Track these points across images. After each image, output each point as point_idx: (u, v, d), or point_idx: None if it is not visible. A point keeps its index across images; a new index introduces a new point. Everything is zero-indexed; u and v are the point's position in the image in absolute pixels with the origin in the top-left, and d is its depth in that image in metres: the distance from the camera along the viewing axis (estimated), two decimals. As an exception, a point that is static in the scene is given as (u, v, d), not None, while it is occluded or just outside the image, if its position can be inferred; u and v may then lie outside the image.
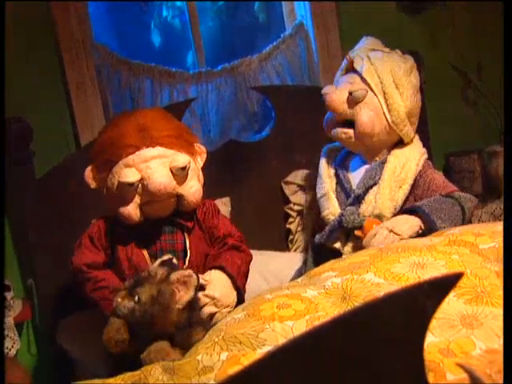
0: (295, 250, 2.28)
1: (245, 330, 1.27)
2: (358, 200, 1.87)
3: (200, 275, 1.59)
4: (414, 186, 1.89)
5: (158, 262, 1.47)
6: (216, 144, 2.36)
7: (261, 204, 2.28)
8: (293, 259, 2.16)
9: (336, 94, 1.91)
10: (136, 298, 1.38)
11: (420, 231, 1.75)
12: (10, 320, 1.90)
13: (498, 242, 1.42)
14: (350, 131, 1.90)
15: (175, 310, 1.39)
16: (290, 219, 2.30)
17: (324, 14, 2.57)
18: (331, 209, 1.90)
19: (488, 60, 2.70)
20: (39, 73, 2.12)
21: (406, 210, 1.82)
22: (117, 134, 1.63)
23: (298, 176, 2.31)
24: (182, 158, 1.62)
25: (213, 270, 1.63)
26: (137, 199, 1.61)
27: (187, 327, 1.42)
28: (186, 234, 1.68)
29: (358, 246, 1.80)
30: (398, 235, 1.72)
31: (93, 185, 1.67)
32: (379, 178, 1.87)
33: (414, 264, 1.38)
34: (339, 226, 1.85)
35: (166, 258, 1.49)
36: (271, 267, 2.06)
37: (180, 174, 1.61)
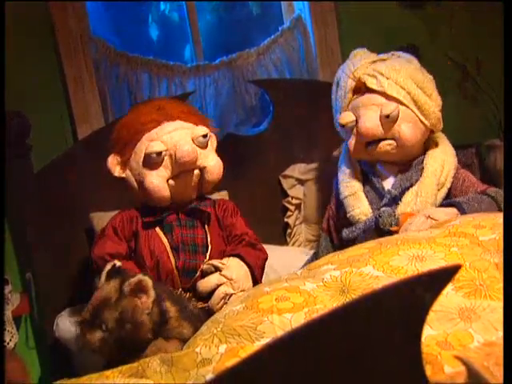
0: (293, 244, 2.29)
1: (243, 322, 1.27)
2: (395, 201, 1.83)
3: (217, 260, 1.62)
4: (450, 188, 1.86)
5: (103, 276, 1.42)
6: (214, 138, 2.35)
7: (259, 198, 2.28)
8: (291, 253, 2.16)
9: (369, 122, 1.82)
10: (103, 326, 1.33)
11: None
12: (8, 313, 1.91)
13: (499, 234, 1.42)
14: (394, 142, 1.84)
15: (146, 319, 1.36)
16: (288, 213, 2.30)
17: (322, 8, 2.56)
18: (362, 208, 1.85)
19: (487, 54, 2.70)
20: (38, 69, 2.13)
21: (443, 204, 1.79)
22: (135, 115, 1.68)
23: (296, 170, 2.31)
24: (201, 128, 1.69)
25: (231, 257, 1.63)
26: (164, 173, 1.63)
27: (167, 320, 1.41)
28: (206, 228, 1.69)
29: None
30: (436, 220, 1.69)
31: (116, 172, 1.66)
32: (416, 180, 1.83)
33: (412, 257, 1.38)
34: (375, 227, 1.80)
35: (109, 266, 1.44)
36: (269, 261, 2.05)
37: (202, 142, 1.68)
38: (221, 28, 2.69)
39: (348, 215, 1.88)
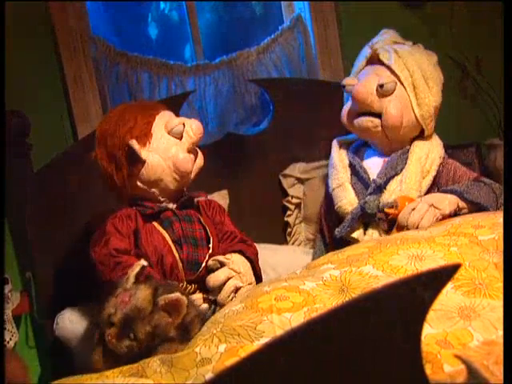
0: (293, 243, 2.28)
1: (243, 322, 1.27)
2: (380, 189, 1.86)
3: (221, 256, 1.66)
4: (436, 177, 1.89)
5: (132, 278, 1.40)
6: (214, 137, 2.35)
7: (259, 197, 2.28)
8: (291, 252, 2.16)
9: (363, 86, 1.87)
10: (131, 335, 1.32)
11: (457, 210, 1.75)
12: (8, 313, 1.91)
13: (498, 234, 1.42)
14: (377, 120, 1.88)
15: (174, 335, 1.36)
16: (288, 212, 2.30)
17: (322, 7, 2.56)
18: (348, 198, 1.88)
19: (486, 54, 2.70)
20: (38, 69, 2.12)
21: (443, 190, 1.81)
22: (134, 106, 1.76)
23: (296, 169, 2.31)
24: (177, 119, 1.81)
25: (233, 253, 1.68)
26: (184, 146, 1.72)
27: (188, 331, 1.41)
28: (203, 222, 1.73)
29: (382, 232, 1.80)
30: (439, 210, 1.71)
31: (143, 153, 1.68)
32: (401, 169, 1.86)
33: (412, 256, 1.38)
34: (361, 214, 1.83)
35: (137, 268, 1.43)
36: (269, 260, 2.05)
37: (177, 133, 1.77)
38: (221, 27, 2.69)
39: (336, 207, 1.90)
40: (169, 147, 1.70)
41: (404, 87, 1.88)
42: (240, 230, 1.84)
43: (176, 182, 1.72)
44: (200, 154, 1.79)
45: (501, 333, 1.13)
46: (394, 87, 1.86)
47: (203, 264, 1.66)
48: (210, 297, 1.62)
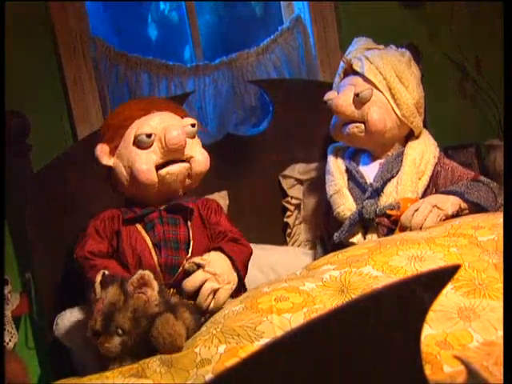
0: (293, 244, 2.28)
1: (243, 322, 1.27)
2: (377, 193, 1.86)
3: (198, 257, 1.61)
4: (432, 177, 1.90)
5: (97, 288, 1.41)
6: (214, 138, 2.35)
7: (259, 198, 2.28)
8: (290, 253, 2.16)
9: (341, 98, 1.91)
10: (119, 331, 1.34)
11: (459, 210, 1.75)
12: (7, 314, 1.90)
13: (498, 235, 1.42)
14: (362, 126, 1.90)
15: (155, 309, 1.38)
16: (288, 213, 2.30)
17: (322, 7, 2.56)
18: (347, 204, 1.88)
19: (486, 54, 2.71)
20: (38, 69, 2.12)
21: (442, 192, 1.81)
22: (125, 107, 1.73)
23: (296, 170, 2.31)
24: (190, 118, 1.73)
25: (211, 252, 1.63)
26: (152, 156, 1.64)
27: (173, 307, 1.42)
28: (189, 225, 1.69)
29: (381, 236, 1.80)
30: (443, 210, 1.71)
31: (104, 160, 1.67)
32: (397, 171, 1.87)
33: (412, 257, 1.38)
34: (359, 219, 1.84)
35: (99, 277, 1.43)
36: (269, 261, 2.05)
37: (191, 132, 1.69)
38: (220, 28, 2.69)
39: (334, 213, 1.91)
40: (131, 157, 1.64)
41: (381, 91, 1.90)
42: (240, 230, 1.82)
43: (144, 191, 1.66)
44: (197, 160, 1.71)
45: (500, 333, 1.13)
46: (370, 94, 1.88)
47: (181, 268, 1.62)
48: (190, 302, 1.56)
